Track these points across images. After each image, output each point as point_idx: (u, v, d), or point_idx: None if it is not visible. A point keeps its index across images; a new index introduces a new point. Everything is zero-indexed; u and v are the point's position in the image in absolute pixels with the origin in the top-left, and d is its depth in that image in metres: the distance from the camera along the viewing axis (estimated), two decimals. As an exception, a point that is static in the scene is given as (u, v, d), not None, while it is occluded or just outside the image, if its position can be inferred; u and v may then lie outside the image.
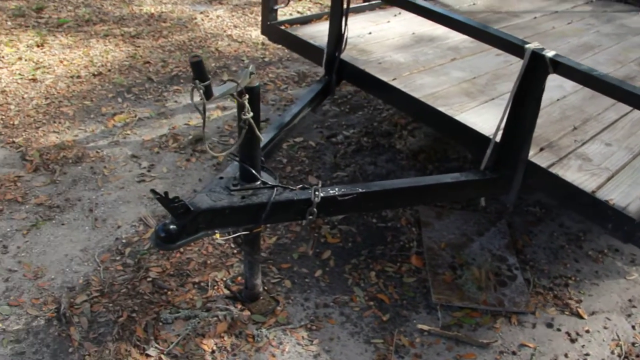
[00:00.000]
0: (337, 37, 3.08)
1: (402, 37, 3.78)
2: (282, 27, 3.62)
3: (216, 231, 2.11)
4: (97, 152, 3.59)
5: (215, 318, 2.51)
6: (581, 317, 2.78)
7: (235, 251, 2.91)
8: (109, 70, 4.54)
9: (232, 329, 2.49)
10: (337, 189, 2.23)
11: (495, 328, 2.70)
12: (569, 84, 3.02)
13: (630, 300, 2.92)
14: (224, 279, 2.75)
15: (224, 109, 4.22)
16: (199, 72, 1.65)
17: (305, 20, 3.77)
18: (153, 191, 1.87)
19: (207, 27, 5.53)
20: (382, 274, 2.91)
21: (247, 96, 1.86)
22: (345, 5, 2.92)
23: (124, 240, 2.94)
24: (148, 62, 4.70)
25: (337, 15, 3.01)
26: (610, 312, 2.83)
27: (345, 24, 3.00)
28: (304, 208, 2.15)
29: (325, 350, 2.47)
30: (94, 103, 4.12)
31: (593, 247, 3.27)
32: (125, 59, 4.76)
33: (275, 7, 3.53)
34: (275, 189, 2.14)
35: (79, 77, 4.43)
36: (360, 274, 2.89)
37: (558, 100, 3.10)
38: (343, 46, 3.10)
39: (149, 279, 2.68)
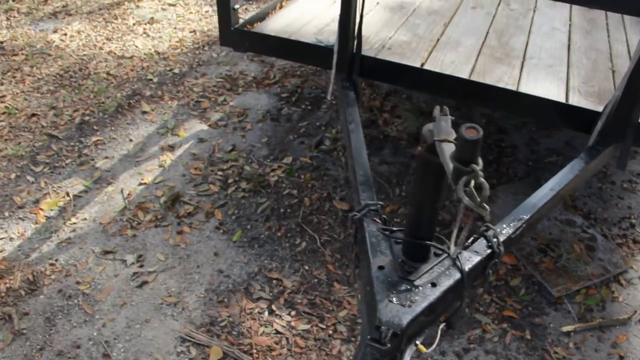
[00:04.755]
0: (351, 27, 2.44)
1: (376, 12, 3.24)
2: (248, 29, 2.80)
3: (417, 343, 1.48)
4: (50, 264, 2.48)
5: None
6: (671, 254, 2.75)
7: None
8: (-14, 142, 3.20)
9: None
10: (504, 226, 1.74)
11: (616, 298, 2.53)
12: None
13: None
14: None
15: (171, 148, 3.27)
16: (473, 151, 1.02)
17: (262, 16, 2.97)
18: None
19: (74, 49, 4.24)
20: (488, 286, 2.52)
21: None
22: None
23: (185, 381, 2.06)
24: (34, 115, 3.41)
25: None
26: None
27: (362, 7, 2.38)
28: (486, 264, 1.63)
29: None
30: (-6, 195, 2.86)
31: (622, 179, 3.27)
32: (-4, 119, 3.40)
33: (236, 7, 2.67)
34: (457, 255, 1.56)
35: (-58, 164, 3.03)
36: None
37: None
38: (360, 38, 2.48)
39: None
